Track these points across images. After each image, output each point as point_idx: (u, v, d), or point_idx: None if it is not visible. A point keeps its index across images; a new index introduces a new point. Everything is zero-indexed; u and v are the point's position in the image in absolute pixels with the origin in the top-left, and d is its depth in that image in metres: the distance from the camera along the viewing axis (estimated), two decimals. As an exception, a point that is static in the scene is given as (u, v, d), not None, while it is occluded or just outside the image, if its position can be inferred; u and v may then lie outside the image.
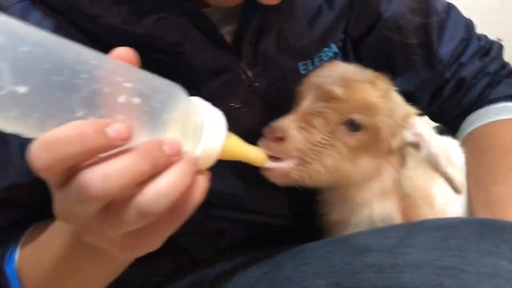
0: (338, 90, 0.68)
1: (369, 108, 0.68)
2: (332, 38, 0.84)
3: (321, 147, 0.68)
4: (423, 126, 0.72)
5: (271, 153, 0.66)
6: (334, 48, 0.85)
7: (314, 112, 0.69)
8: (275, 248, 0.77)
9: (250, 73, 0.74)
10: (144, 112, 0.43)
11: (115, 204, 0.40)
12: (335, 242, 0.70)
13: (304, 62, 0.81)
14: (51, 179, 0.41)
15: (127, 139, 0.38)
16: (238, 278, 0.75)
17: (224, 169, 0.70)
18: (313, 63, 0.82)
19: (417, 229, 0.63)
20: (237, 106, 0.74)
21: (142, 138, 0.42)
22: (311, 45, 0.81)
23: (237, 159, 0.59)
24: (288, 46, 0.77)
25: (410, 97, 0.77)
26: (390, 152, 0.72)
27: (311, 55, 0.81)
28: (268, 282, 0.70)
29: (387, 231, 0.66)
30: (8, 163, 0.62)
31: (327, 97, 0.68)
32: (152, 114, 0.43)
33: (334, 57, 0.85)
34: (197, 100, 0.53)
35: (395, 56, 0.90)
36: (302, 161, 0.67)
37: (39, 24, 0.58)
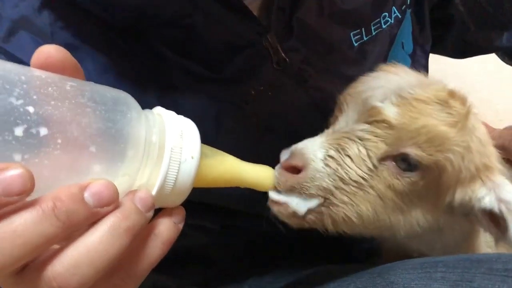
0: (390, 111, 0.47)
1: (433, 141, 0.46)
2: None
3: (355, 187, 0.48)
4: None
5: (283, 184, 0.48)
6: (396, 12, 0.68)
7: (352, 137, 0.49)
8: (306, 267, 0.68)
9: (279, 47, 0.59)
10: (93, 137, 0.32)
11: (30, 270, 0.31)
12: (370, 275, 0.55)
13: (357, 30, 0.64)
14: None
15: (23, 192, 0.28)
16: None
17: None
18: (369, 32, 0.65)
19: (478, 271, 0.47)
20: (261, 88, 0.59)
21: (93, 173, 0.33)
22: (365, 8, 0.64)
23: (231, 185, 0.44)
24: (334, 9, 0.62)
25: None
26: (451, 208, 0.50)
27: (365, 21, 0.64)
28: None
29: (437, 267, 0.49)
30: None
31: (374, 118, 0.48)
32: (105, 140, 0.33)
33: (396, 24, 0.68)
34: (158, 112, 0.39)
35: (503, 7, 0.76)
36: (326, 201, 0.48)
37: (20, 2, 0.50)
